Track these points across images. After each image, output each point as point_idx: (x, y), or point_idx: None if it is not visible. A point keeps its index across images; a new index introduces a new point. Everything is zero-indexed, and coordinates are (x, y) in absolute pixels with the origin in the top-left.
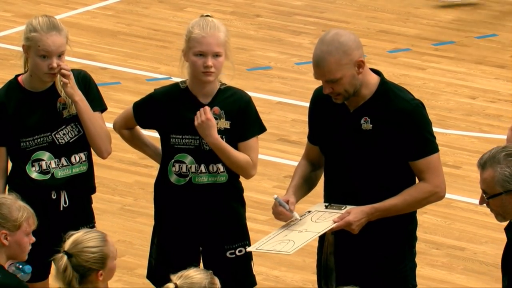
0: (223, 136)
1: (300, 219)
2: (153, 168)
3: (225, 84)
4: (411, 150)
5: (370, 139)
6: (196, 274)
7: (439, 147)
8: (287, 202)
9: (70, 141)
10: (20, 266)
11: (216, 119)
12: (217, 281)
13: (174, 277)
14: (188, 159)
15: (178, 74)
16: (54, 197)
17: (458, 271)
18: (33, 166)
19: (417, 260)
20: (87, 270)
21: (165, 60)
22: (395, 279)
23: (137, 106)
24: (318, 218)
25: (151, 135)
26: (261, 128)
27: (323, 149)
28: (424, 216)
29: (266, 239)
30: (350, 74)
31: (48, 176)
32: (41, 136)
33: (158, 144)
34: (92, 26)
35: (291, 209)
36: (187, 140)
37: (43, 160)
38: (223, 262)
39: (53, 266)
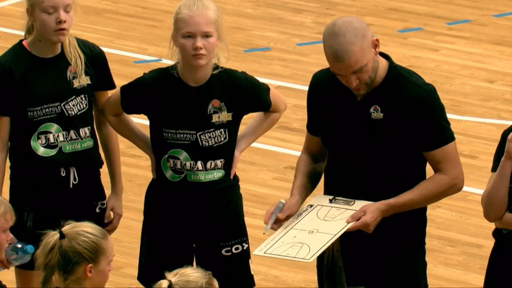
0: (225, 130)
1: (303, 217)
2: (142, 158)
3: (219, 68)
4: (426, 139)
5: (382, 129)
6: (193, 272)
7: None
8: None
9: (78, 113)
10: (20, 246)
11: (216, 112)
12: (215, 282)
13: (169, 275)
14: (183, 155)
15: (168, 56)
16: (64, 174)
17: (475, 271)
18: (39, 138)
19: (430, 258)
20: (76, 257)
21: (155, 41)
22: (405, 279)
23: (124, 90)
24: (327, 216)
25: (142, 123)
26: (268, 88)
27: (326, 140)
28: (437, 211)
29: (272, 241)
30: (371, 57)
31: (55, 151)
32: (49, 106)
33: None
34: (75, 3)
35: (278, 217)
36: (182, 135)
37: (50, 132)
38: (218, 260)
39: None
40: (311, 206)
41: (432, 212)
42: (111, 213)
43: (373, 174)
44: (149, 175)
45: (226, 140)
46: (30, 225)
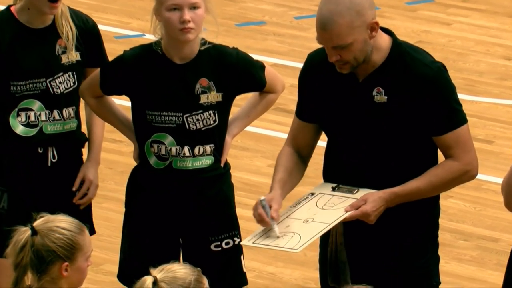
0: (215, 112)
1: (302, 206)
2: (123, 143)
3: (208, 43)
4: (436, 123)
5: (386, 114)
6: (181, 268)
7: (467, 118)
8: (270, 207)
9: (64, 92)
10: None
11: (204, 92)
12: (205, 280)
13: (154, 270)
14: (168, 140)
15: (151, 32)
16: (41, 151)
17: (491, 267)
18: (18, 115)
19: (441, 253)
20: (49, 256)
21: (137, 14)
22: (415, 275)
23: (104, 70)
24: (326, 204)
25: (124, 104)
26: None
27: (324, 126)
28: (449, 201)
29: (263, 231)
30: (361, 38)
31: (35, 131)
32: (34, 82)
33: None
34: None
35: (273, 217)
36: (167, 118)
37: (32, 110)
38: (206, 256)
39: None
40: (312, 194)
41: (444, 202)
42: (90, 184)
43: (377, 162)
44: (131, 162)
45: (215, 123)
46: (4, 206)
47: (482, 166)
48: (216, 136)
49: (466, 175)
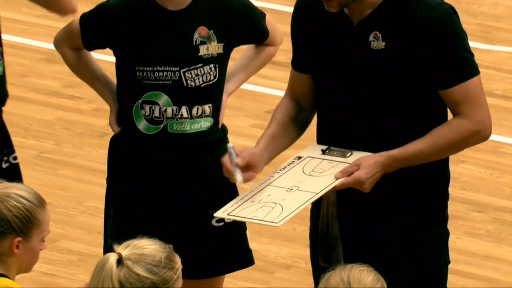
0: (215, 65)
1: (287, 171)
2: (83, 100)
3: None
4: (441, 74)
5: (383, 62)
6: (150, 244)
7: (481, 70)
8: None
9: None
10: None
11: (204, 43)
12: (178, 259)
13: (118, 247)
14: (163, 99)
15: None
16: None
17: (509, 243)
18: None
19: (452, 227)
20: (2, 226)
21: None
22: (420, 252)
23: (85, 20)
24: (314, 170)
25: (103, 59)
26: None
27: (316, 78)
28: (461, 167)
29: (241, 200)
30: None
31: None
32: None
33: (113, 77)
34: None
35: (237, 163)
36: (161, 74)
37: None
38: (207, 233)
39: None
40: (299, 158)
41: (455, 168)
42: None
43: (375, 120)
44: (92, 123)
45: (215, 79)
46: None
47: (499, 126)
48: (214, 94)
49: (477, 135)
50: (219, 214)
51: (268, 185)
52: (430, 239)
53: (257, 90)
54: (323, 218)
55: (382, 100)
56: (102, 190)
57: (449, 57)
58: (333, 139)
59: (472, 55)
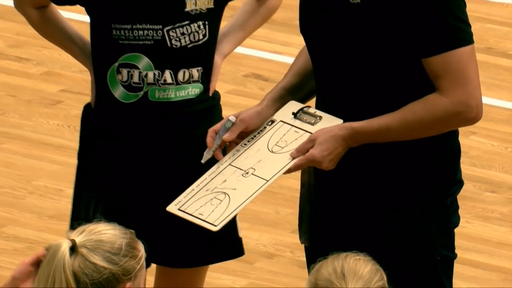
0: (205, 23)
1: (253, 143)
2: (31, 62)
3: None
4: (421, 40)
5: (360, 17)
6: (108, 229)
7: (495, 27)
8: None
9: None
10: None
11: None
12: (141, 246)
13: (72, 233)
14: (143, 62)
15: None
16: None
17: None
18: None
19: (461, 209)
20: None
21: None
22: (409, 246)
23: None
24: (277, 143)
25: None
26: None
27: (303, 36)
28: (470, 139)
29: (197, 187)
30: None
31: None
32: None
33: (87, 36)
34: None
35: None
36: (141, 32)
37: None
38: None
39: None
40: (272, 122)
41: (464, 141)
42: None
43: (360, 84)
44: (42, 88)
45: (205, 39)
46: None
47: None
48: (205, 56)
49: (457, 117)
50: (170, 208)
51: (230, 164)
52: (422, 230)
53: (235, 52)
54: (304, 187)
55: (364, 62)
56: (54, 167)
57: (431, 22)
58: (324, 105)
59: (465, 23)
